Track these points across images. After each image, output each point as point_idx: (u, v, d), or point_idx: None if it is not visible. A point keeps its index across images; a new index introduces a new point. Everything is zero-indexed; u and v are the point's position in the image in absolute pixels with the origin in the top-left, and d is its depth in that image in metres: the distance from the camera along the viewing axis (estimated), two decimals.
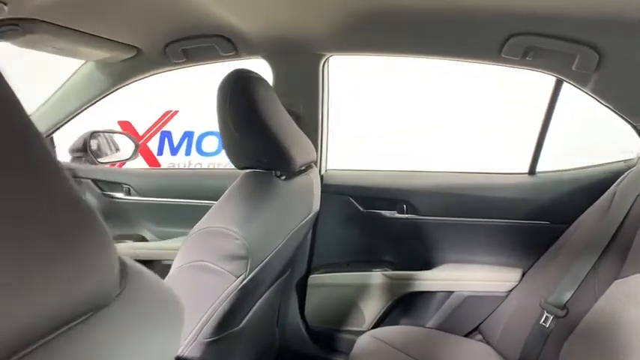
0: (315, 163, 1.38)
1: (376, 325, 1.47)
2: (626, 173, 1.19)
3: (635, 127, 1.18)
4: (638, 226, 1.07)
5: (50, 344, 0.25)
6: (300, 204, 1.11)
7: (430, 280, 1.42)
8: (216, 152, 3.45)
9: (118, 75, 1.42)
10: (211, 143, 3.45)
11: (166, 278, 0.85)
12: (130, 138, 1.89)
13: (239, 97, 0.95)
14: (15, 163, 0.23)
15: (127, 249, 1.62)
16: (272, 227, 0.95)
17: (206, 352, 0.83)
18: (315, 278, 1.48)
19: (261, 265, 0.91)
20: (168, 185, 1.69)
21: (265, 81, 1.03)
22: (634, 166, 1.24)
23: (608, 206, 1.18)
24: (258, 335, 1.25)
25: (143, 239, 1.72)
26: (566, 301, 1.17)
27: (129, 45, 1.26)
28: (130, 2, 1.02)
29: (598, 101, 1.15)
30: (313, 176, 1.18)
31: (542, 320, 1.21)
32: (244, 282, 0.86)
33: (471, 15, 1.04)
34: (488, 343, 1.37)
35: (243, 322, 1.00)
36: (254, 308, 1.06)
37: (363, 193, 1.44)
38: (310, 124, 1.35)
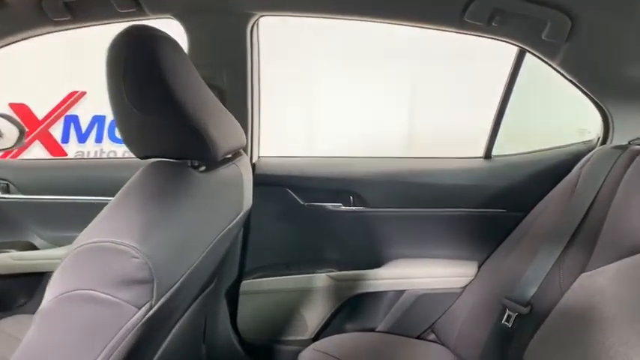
0: (245, 150, 1.15)
1: (320, 333, 1.29)
2: (588, 155, 1.10)
3: (598, 106, 1.09)
4: (606, 213, 0.98)
5: None
6: (226, 202, 0.88)
7: (380, 279, 1.27)
8: None
9: None
10: None
11: (36, 315, 0.59)
12: (13, 122, 1.51)
13: (138, 63, 0.69)
14: None
15: (8, 260, 1.29)
16: (187, 237, 0.72)
17: None
18: (248, 284, 1.26)
19: (174, 288, 0.67)
20: (60, 179, 1.36)
21: (176, 42, 0.77)
22: (594, 147, 1.16)
23: (571, 192, 1.08)
24: (183, 358, 1.02)
25: (32, 247, 1.38)
26: (530, 298, 1.07)
27: None
28: None
29: (564, 77, 1.04)
30: (242, 166, 0.95)
31: (503, 319, 1.10)
32: (150, 313, 0.62)
33: None
34: (443, 344, 1.25)
35: (164, 344, 0.78)
36: (169, 337, 0.82)
37: (303, 183, 1.24)
38: (237, 100, 1.12)
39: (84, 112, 3.05)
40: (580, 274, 0.97)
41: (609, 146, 1.08)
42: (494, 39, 1.03)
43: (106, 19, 1.03)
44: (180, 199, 0.70)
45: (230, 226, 0.90)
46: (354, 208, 1.25)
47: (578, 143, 1.24)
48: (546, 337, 0.97)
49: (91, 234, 0.61)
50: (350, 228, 1.26)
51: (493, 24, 0.96)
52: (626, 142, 1.06)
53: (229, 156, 0.92)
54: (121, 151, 3.12)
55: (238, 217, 0.94)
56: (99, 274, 0.58)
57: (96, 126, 3.08)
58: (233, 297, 1.27)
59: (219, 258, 0.99)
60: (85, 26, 1.06)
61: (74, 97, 3.03)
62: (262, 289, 1.26)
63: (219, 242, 0.87)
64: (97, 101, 3.03)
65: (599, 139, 1.19)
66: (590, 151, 1.14)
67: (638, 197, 0.92)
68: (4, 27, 1.06)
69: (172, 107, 0.70)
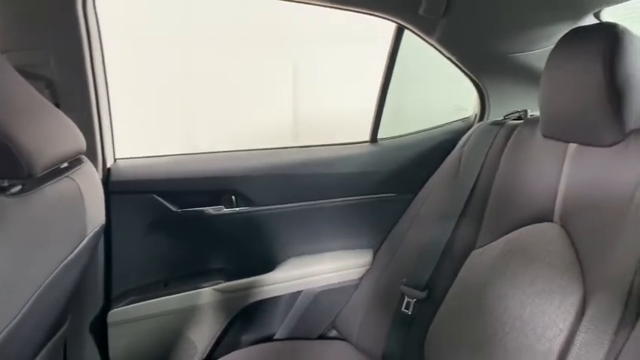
0: (95, 153, 0.93)
1: (212, 354, 1.14)
2: (468, 133, 1.10)
3: (475, 83, 1.09)
4: (490, 190, 0.99)
5: None
6: (60, 227, 0.67)
7: (273, 283, 1.15)
8: None
9: None
10: None
11: None
12: None
13: None
14: None
15: None
16: (5, 280, 0.51)
17: None
18: (117, 314, 1.04)
19: None
20: None
21: None
22: (472, 124, 1.18)
23: (456, 171, 1.08)
24: None
25: None
26: (426, 281, 1.05)
27: None
28: None
29: (442, 54, 1.00)
30: (82, 177, 0.73)
31: (403, 306, 1.07)
32: None
33: None
34: (345, 338, 1.19)
35: None
36: None
37: (175, 186, 1.05)
38: (74, 93, 0.88)
39: None
40: (471, 251, 0.97)
41: (487, 123, 1.09)
42: (373, 14, 0.95)
43: None
44: None
45: (72, 256, 0.69)
46: (237, 209, 1.10)
47: (458, 121, 1.24)
48: (445, 319, 0.95)
49: None
50: (235, 232, 1.11)
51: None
52: (502, 118, 1.09)
53: (64, 165, 0.71)
54: None
55: (84, 241, 0.73)
56: None
57: None
58: (100, 331, 1.05)
59: (67, 292, 0.78)
60: None
61: None
62: (136, 315, 1.06)
63: (61, 276, 0.67)
64: None
65: (476, 115, 1.21)
66: (469, 128, 1.15)
67: (517, 173, 0.93)
68: None
69: None
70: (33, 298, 0.59)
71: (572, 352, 0.65)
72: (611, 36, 0.72)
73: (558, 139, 0.84)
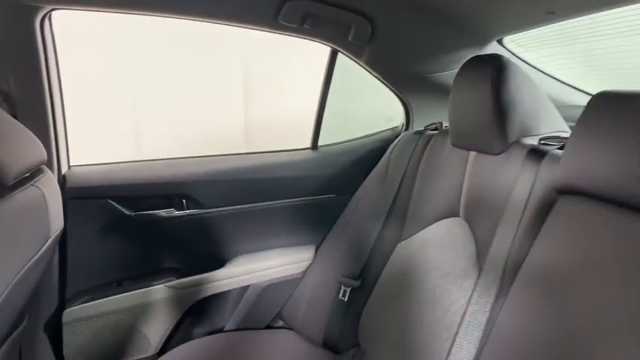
0: (50, 161, 0.99)
1: (165, 347, 1.22)
2: (395, 141, 1.26)
3: (399, 97, 1.25)
4: (412, 190, 1.15)
5: None
6: (27, 231, 0.74)
7: (223, 279, 1.25)
8: None
9: None
10: None
11: None
12: None
13: None
14: None
15: None
16: None
17: None
18: (72, 313, 1.10)
19: None
20: None
21: None
22: (399, 133, 1.34)
23: (385, 174, 1.23)
24: None
25: None
26: (360, 271, 1.19)
27: None
28: None
29: (370, 73, 1.15)
30: (45, 184, 0.81)
31: (340, 295, 1.20)
32: None
33: None
34: (290, 327, 1.31)
35: None
36: None
37: (127, 191, 1.13)
38: (31, 106, 0.94)
39: None
40: (397, 244, 1.12)
41: (411, 132, 1.26)
42: (309, 39, 1.08)
43: None
44: None
45: (36, 257, 0.76)
46: (188, 211, 1.19)
47: (387, 130, 1.40)
48: (375, 303, 1.09)
49: None
50: (186, 233, 1.20)
51: (305, 26, 1.00)
52: (423, 128, 1.25)
53: (27, 175, 0.78)
54: None
55: (46, 244, 0.81)
56: None
57: None
58: (55, 331, 1.10)
59: (26, 292, 0.84)
60: None
61: None
62: (90, 314, 1.12)
63: (24, 277, 0.74)
64: None
65: (403, 125, 1.37)
66: (397, 136, 1.30)
67: (432, 176, 1.09)
68: None
69: None
70: (2, 295, 0.66)
71: (465, 321, 0.81)
72: (497, 66, 0.88)
73: (462, 148, 1.01)
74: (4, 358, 0.85)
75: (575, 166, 0.69)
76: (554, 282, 0.68)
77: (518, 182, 0.83)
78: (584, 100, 1.17)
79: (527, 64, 1.31)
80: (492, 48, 1.23)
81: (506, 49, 1.26)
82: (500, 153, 0.91)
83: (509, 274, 0.77)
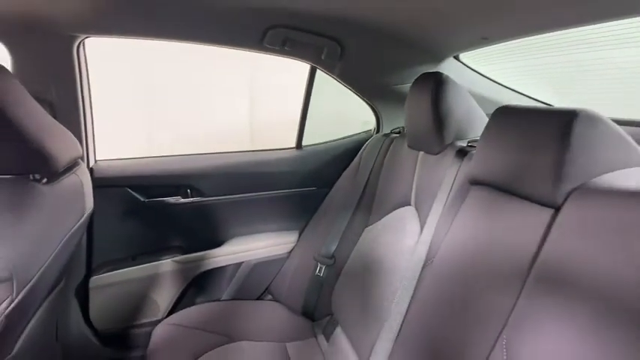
0: (82, 158, 1.24)
1: (172, 311, 1.46)
2: (367, 142, 1.48)
3: (370, 105, 1.48)
4: (377, 184, 1.37)
5: None
6: (69, 209, 0.99)
7: (220, 256, 1.49)
8: None
9: None
10: None
11: None
12: None
13: None
14: None
15: None
16: (38, 241, 0.83)
17: None
18: (97, 280, 1.35)
19: (31, 284, 0.80)
20: None
21: (5, 70, 0.85)
22: (371, 135, 1.56)
23: (356, 171, 1.46)
24: (36, 358, 1.09)
25: None
26: (333, 252, 1.42)
27: None
28: None
29: (344, 85, 1.38)
30: (81, 173, 1.05)
31: (317, 271, 1.43)
32: (11, 306, 0.74)
33: (234, 7, 1.08)
34: (277, 300, 1.54)
35: (15, 349, 0.87)
36: (27, 330, 0.92)
37: (142, 182, 1.37)
38: (69, 112, 1.19)
39: None
40: (364, 228, 1.35)
41: (380, 135, 1.48)
42: (290, 57, 1.32)
43: None
44: (26, 210, 0.81)
45: (74, 229, 1.01)
46: (191, 199, 1.43)
47: (362, 133, 1.63)
48: (345, 279, 1.31)
49: None
50: (190, 217, 1.45)
51: (286, 48, 1.24)
52: (389, 131, 1.48)
53: (69, 165, 1.02)
54: None
55: (81, 220, 1.05)
56: None
57: None
58: (83, 294, 1.35)
59: (66, 257, 1.08)
60: None
61: None
62: (111, 282, 1.37)
63: (66, 243, 0.98)
64: None
65: (374, 129, 1.60)
66: (369, 138, 1.53)
67: (393, 172, 1.32)
68: None
69: (8, 130, 0.80)
70: (52, 255, 0.90)
71: (403, 283, 1.02)
72: (436, 82, 1.10)
73: (414, 149, 1.23)
74: (46, 311, 1.09)
75: (481, 163, 0.90)
76: (458, 255, 0.89)
77: (447, 176, 1.05)
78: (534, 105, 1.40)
79: (483, 76, 1.52)
80: (449, 62, 1.44)
81: (462, 63, 1.48)
82: (438, 153, 1.13)
83: (434, 249, 0.98)
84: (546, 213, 0.72)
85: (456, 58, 1.46)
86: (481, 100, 1.39)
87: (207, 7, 1.07)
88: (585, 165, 0.69)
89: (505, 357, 0.67)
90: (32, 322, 0.96)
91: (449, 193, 1.02)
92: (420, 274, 0.99)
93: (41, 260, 0.85)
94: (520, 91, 1.59)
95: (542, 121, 0.75)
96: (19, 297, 0.75)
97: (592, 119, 0.71)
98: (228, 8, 1.08)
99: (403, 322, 0.97)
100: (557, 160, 0.69)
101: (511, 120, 0.84)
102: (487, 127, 0.89)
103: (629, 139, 0.73)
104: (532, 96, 1.61)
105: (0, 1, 0.96)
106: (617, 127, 0.73)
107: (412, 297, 0.98)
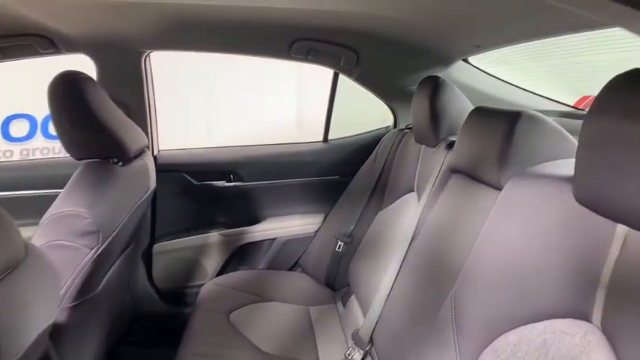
0: (148, 147, 1.56)
1: (218, 276, 1.76)
2: (384, 137, 1.69)
3: (388, 105, 1.69)
4: (390, 173, 1.58)
5: None
6: (138, 185, 1.30)
7: (257, 232, 1.77)
8: (29, 137, 3.15)
9: None
10: (21, 127, 3.12)
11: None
12: None
13: (70, 98, 1.08)
14: None
15: None
16: (116, 206, 1.14)
17: (70, 315, 1.00)
18: (159, 246, 1.68)
19: (111, 236, 1.10)
20: (8, 180, 1.57)
21: (92, 79, 1.15)
22: (389, 131, 1.77)
23: (374, 161, 1.68)
24: (113, 301, 1.42)
25: None
26: (351, 231, 1.64)
27: None
28: None
29: (363, 87, 1.61)
30: (147, 159, 1.37)
31: (337, 248, 1.67)
32: (98, 252, 1.04)
33: (266, 24, 1.34)
34: (305, 272, 1.79)
35: (100, 287, 1.18)
36: (108, 275, 1.23)
37: (195, 168, 1.68)
38: (138, 112, 1.51)
39: None
40: (378, 212, 1.56)
41: (395, 130, 1.69)
42: (314, 64, 1.56)
43: (31, 56, 1.35)
44: (108, 184, 1.12)
45: (140, 201, 1.32)
46: (234, 183, 1.72)
47: (381, 128, 1.84)
48: (359, 255, 1.52)
49: (58, 207, 1.01)
50: (233, 198, 1.73)
51: (309, 57, 1.49)
52: (404, 127, 1.67)
53: (139, 152, 1.34)
54: (18, 149, 3.23)
55: (146, 194, 1.36)
56: (66, 230, 0.99)
57: None
58: (148, 257, 1.68)
59: (135, 224, 1.39)
60: (12, 60, 1.36)
61: None
62: (170, 248, 1.69)
63: (135, 211, 1.29)
64: None
65: (392, 125, 1.80)
66: (386, 133, 1.74)
67: (402, 162, 1.52)
68: None
69: (96, 125, 1.11)
70: (125, 219, 1.21)
71: (395, 257, 1.23)
72: (433, 85, 1.29)
73: (418, 142, 1.43)
74: (120, 266, 1.37)
75: (458, 154, 1.09)
76: (432, 231, 1.09)
77: (436, 165, 1.24)
78: (542, 102, 1.54)
79: (492, 76, 1.67)
80: (458, 65, 1.61)
81: (472, 65, 1.64)
82: (434, 146, 1.32)
83: (419, 227, 1.18)
84: (494, 195, 0.90)
85: (466, 61, 1.62)
86: (489, 100, 1.56)
87: (244, 25, 1.34)
88: (526, 156, 0.87)
89: (453, 310, 0.77)
90: (110, 271, 1.26)
91: (435, 180, 1.22)
92: (408, 248, 1.19)
93: (118, 221, 1.15)
94: (536, 92, 1.71)
95: (497, 120, 0.93)
96: (103, 246, 1.06)
97: (533, 118, 0.88)
98: (261, 25, 1.34)
99: (393, 284, 1.18)
100: (503, 150, 0.88)
101: (480, 119, 1.02)
102: (464, 124, 1.07)
103: (567, 134, 0.90)
104: (549, 97, 1.72)
105: (89, 26, 1.28)
106: (556, 124, 0.90)
107: (401, 265, 1.18)
